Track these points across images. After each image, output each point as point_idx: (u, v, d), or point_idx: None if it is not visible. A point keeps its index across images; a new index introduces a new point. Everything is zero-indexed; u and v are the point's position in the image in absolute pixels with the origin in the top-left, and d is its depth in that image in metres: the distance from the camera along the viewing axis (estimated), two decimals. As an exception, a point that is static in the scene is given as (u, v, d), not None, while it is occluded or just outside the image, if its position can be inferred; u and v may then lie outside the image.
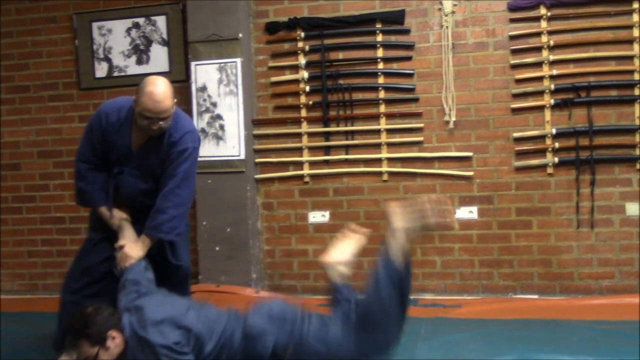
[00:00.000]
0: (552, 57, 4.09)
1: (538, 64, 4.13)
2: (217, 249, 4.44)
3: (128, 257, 2.94)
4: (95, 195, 3.11)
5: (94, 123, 3.06)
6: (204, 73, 4.43)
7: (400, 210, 2.53)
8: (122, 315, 2.46)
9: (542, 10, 4.10)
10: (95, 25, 4.79)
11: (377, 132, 4.36)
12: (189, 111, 4.47)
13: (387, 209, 2.58)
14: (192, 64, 4.45)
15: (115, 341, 2.38)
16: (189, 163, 3.03)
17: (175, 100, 2.94)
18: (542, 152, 4.14)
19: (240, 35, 4.39)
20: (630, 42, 4.02)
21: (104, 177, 3.11)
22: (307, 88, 4.43)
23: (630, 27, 4.01)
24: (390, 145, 4.36)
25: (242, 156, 4.41)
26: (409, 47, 4.31)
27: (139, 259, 2.95)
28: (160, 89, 2.85)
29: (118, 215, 3.12)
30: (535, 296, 4.14)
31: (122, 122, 3.00)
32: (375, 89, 4.36)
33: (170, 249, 3.16)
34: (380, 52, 4.35)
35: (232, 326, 2.51)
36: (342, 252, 2.86)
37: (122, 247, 2.98)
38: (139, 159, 3.05)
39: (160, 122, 2.88)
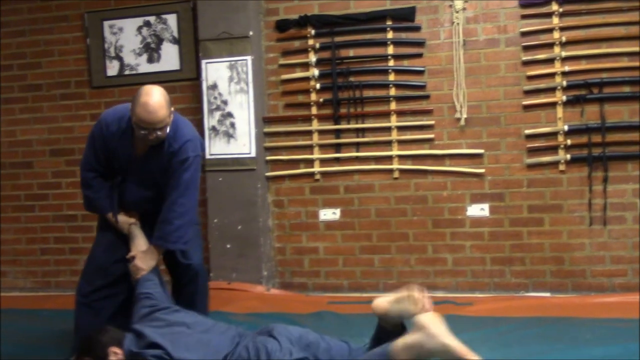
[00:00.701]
0: (564, 54, 4.07)
1: (550, 61, 4.10)
2: (228, 246, 4.45)
3: (139, 269, 2.96)
4: (103, 202, 3.12)
5: (96, 133, 3.06)
6: (215, 71, 4.44)
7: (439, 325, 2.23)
8: (127, 334, 2.56)
9: (554, 7, 4.07)
10: (106, 23, 4.81)
11: (388, 129, 4.35)
12: (199, 109, 4.50)
13: (421, 320, 2.25)
14: (203, 62, 4.46)
15: (117, 356, 2.49)
16: (191, 172, 3.03)
17: (172, 108, 2.93)
18: (554, 149, 4.12)
19: (251, 33, 4.39)
20: (643, 37, 4.00)
21: (109, 185, 3.12)
22: (318, 86, 4.43)
23: (643, 22, 3.99)
24: (401, 142, 4.35)
25: (253, 154, 4.42)
26: (420, 44, 4.30)
27: (151, 269, 2.98)
28: (154, 99, 2.81)
29: (126, 220, 3.13)
30: (548, 294, 4.12)
31: (123, 131, 3.00)
32: (385, 86, 4.35)
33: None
34: (390, 50, 4.34)
35: (241, 348, 2.52)
36: (391, 305, 2.43)
37: (133, 258, 3.00)
38: (141, 168, 3.05)
39: (157, 132, 2.87)
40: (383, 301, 2.42)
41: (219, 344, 2.50)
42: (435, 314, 2.29)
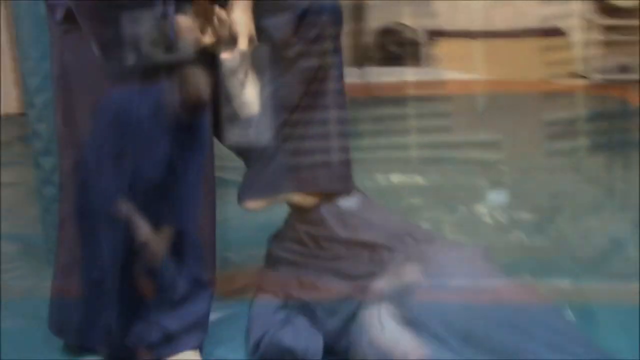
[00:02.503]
0: (585, 38, 4.03)
1: (570, 45, 4.07)
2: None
3: (157, 255, 2.95)
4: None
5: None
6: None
7: None
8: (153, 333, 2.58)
9: (575, -10, 4.04)
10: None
11: (404, 116, 4.35)
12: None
13: None
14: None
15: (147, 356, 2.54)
16: None
17: None
18: (574, 135, 4.09)
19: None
20: (666, 20, 3.94)
21: None
22: (334, 74, 4.43)
23: (666, 5, 3.93)
24: (417, 130, 4.34)
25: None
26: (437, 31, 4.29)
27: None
28: None
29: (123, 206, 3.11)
30: (569, 281, 4.08)
31: None
32: (401, 72, 4.35)
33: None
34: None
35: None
36: None
37: (145, 244, 2.99)
38: None
39: None
40: None
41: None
42: None
